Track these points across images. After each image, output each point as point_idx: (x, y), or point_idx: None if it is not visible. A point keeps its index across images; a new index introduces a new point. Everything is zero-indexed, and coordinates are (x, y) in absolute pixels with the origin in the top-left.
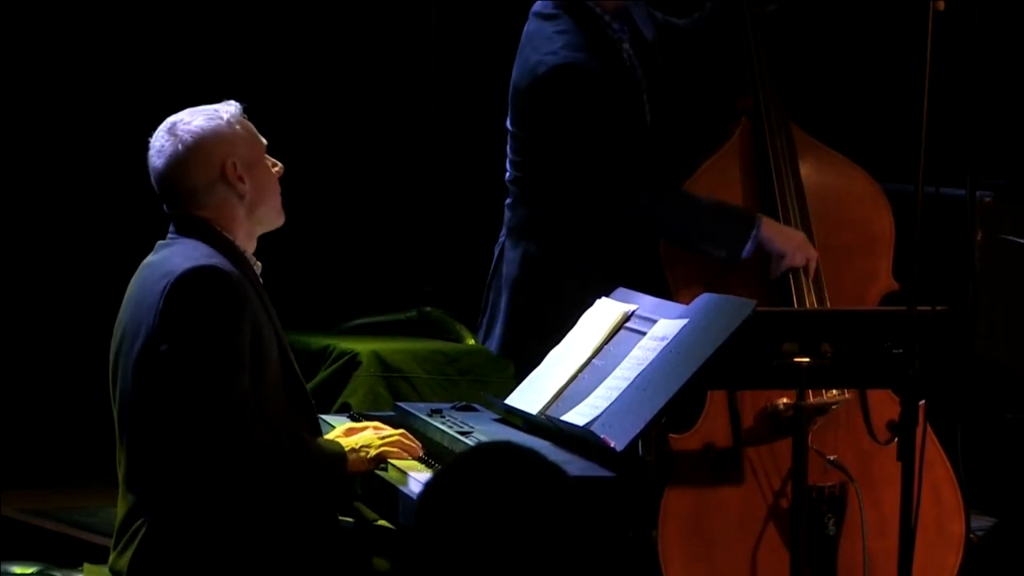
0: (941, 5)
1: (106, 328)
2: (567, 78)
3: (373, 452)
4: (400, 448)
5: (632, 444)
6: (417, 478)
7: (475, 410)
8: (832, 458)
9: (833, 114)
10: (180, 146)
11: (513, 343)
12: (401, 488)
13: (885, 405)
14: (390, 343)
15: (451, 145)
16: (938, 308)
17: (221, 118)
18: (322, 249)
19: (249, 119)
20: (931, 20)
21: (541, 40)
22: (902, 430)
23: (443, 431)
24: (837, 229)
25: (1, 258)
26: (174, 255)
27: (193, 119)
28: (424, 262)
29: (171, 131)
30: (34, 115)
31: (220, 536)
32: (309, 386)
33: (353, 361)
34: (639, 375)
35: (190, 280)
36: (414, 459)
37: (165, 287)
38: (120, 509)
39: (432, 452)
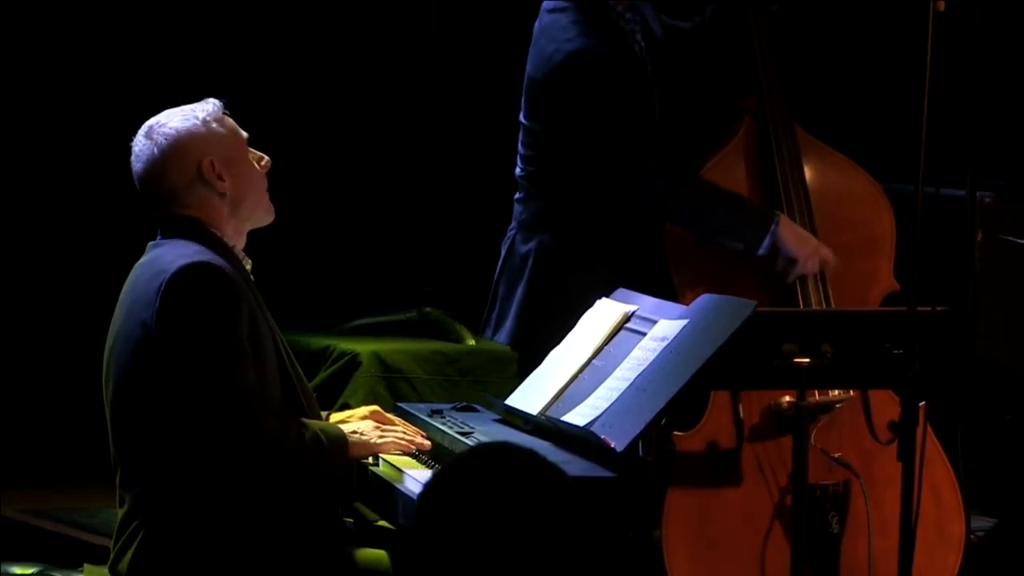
0: (941, 6)
1: (106, 328)
2: (585, 64)
3: (376, 440)
4: (406, 445)
5: (632, 444)
6: (413, 475)
7: (475, 410)
8: (837, 456)
9: (833, 114)
10: (156, 149)
11: (524, 334)
12: (397, 486)
13: (886, 405)
14: (390, 344)
15: (451, 145)
16: (938, 308)
17: (197, 118)
18: (322, 249)
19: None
20: (931, 21)
21: (556, 30)
22: (902, 430)
23: (443, 431)
24: (838, 229)
25: (1, 259)
26: (165, 254)
27: (169, 120)
28: (424, 262)
29: (148, 134)
30: (34, 115)
31: (222, 534)
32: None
33: (353, 362)
34: (639, 376)
35: (185, 276)
36: (409, 455)
37: (160, 285)
38: (119, 509)
39: (432, 452)
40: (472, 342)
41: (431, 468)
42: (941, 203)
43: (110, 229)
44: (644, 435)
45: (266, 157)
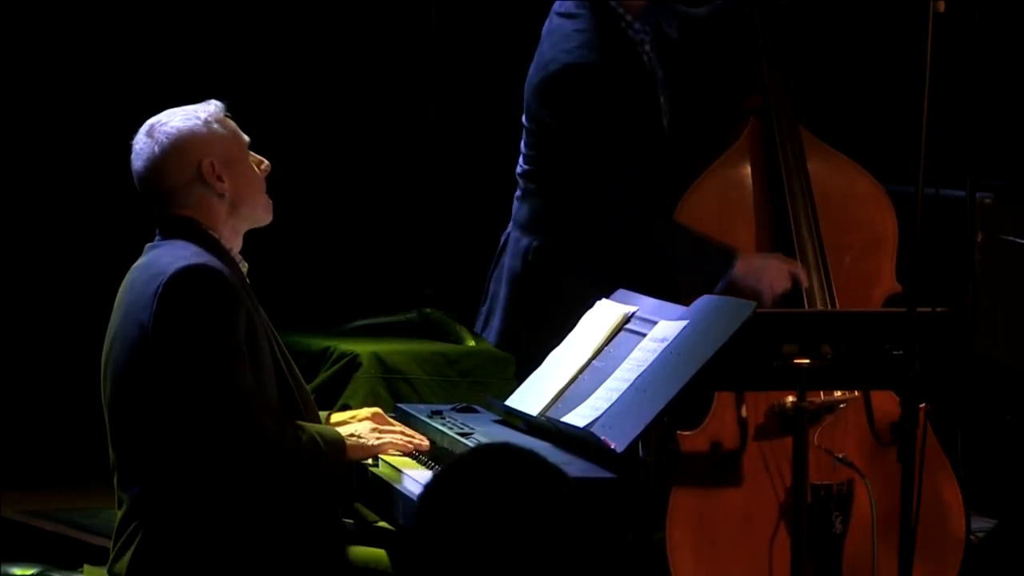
0: (941, 6)
1: (105, 329)
2: (576, 77)
3: (373, 442)
4: (403, 445)
5: (632, 445)
6: (412, 476)
7: (475, 411)
8: (841, 455)
9: (833, 115)
10: (156, 148)
11: (511, 335)
12: (397, 486)
13: (889, 406)
14: (390, 345)
15: (451, 146)
16: (938, 309)
17: (198, 118)
18: (322, 250)
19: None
20: (931, 21)
21: (559, 37)
22: (902, 431)
23: (443, 432)
24: (842, 230)
25: (1, 259)
26: (162, 256)
27: (170, 120)
28: (424, 264)
29: (149, 133)
30: (34, 116)
31: (220, 535)
32: (309, 387)
33: (353, 363)
34: (639, 376)
35: (182, 279)
36: (408, 455)
37: (158, 288)
38: (117, 510)
39: (432, 453)
40: (472, 343)
41: (430, 469)
42: (941, 203)
43: (109, 230)
44: (644, 436)
45: (266, 161)
